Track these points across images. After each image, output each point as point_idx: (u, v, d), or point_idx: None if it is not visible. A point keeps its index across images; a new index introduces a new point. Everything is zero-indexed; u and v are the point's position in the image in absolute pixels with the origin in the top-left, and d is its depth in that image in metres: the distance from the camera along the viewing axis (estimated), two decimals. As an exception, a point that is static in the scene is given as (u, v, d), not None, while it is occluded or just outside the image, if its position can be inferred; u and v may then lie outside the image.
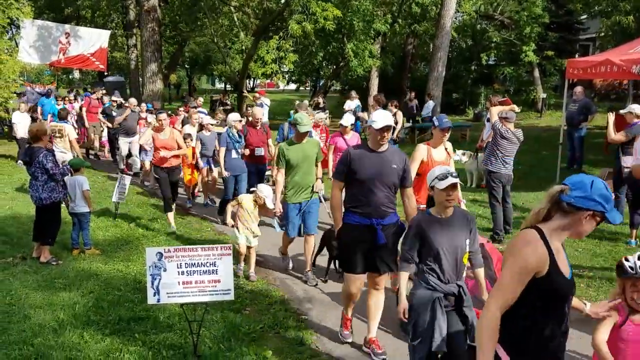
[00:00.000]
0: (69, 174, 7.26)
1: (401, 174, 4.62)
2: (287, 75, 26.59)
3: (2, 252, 7.37)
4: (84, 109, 16.03)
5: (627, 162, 8.15)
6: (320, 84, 28.60)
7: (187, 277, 4.60)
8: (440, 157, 5.85)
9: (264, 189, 6.71)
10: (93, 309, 5.59)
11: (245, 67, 21.67)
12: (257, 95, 18.15)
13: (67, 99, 18.99)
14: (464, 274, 4.05)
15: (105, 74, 29.88)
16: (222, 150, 8.62)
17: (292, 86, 36.38)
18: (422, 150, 5.87)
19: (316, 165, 6.66)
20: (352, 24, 18.95)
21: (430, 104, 18.33)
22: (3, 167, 13.88)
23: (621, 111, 8.88)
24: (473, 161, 11.29)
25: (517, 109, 8.58)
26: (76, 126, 18.21)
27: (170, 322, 5.30)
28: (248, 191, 7.71)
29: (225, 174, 8.63)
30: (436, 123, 5.90)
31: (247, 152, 8.59)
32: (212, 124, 10.33)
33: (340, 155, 7.84)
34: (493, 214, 7.98)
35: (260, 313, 5.68)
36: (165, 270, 4.57)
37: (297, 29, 18.00)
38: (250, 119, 9.54)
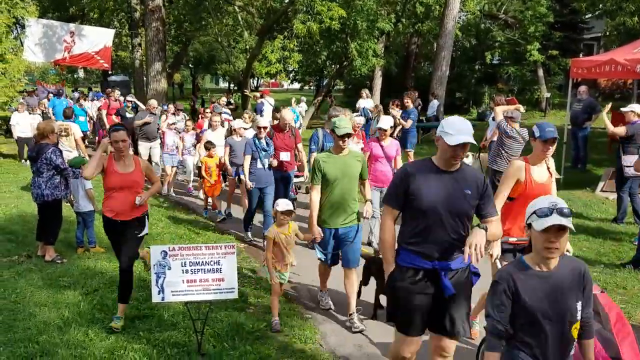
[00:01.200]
0: (77, 177, 7.26)
1: (477, 201, 3.53)
2: (291, 75, 26.60)
3: (7, 251, 7.41)
4: (103, 111, 15.58)
5: (627, 161, 8.16)
6: (324, 83, 28.57)
7: (191, 275, 4.63)
8: (541, 178, 4.53)
9: (281, 204, 5.37)
10: (98, 307, 5.61)
11: (249, 66, 21.71)
12: (257, 94, 18.18)
13: (84, 99, 18.33)
14: (572, 351, 2.86)
15: (110, 73, 29.95)
16: (247, 159, 7.73)
17: (296, 85, 36.41)
18: (518, 168, 4.52)
19: (362, 182, 5.61)
20: (356, 23, 18.94)
21: (434, 103, 18.32)
22: (8, 165, 13.94)
23: (622, 109, 8.89)
24: (476, 161, 11.28)
25: (522, 108, 8.58)
26: (91, 128, 17.96)
27: (174, 321, 5.32)
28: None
29: (250, 185, 7.73)
30: (536, 133, 4.45)
31: (275, 162, 7.73)
32: (244, 128, 9.33)
33: (375, 165, 7.42)
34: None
35: (264, 312, 5.68)
36: (169, 268, 4.59)
37: (302, 29, 18.01)
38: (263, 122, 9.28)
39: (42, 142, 7.07)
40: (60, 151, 7.17)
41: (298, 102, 19.52)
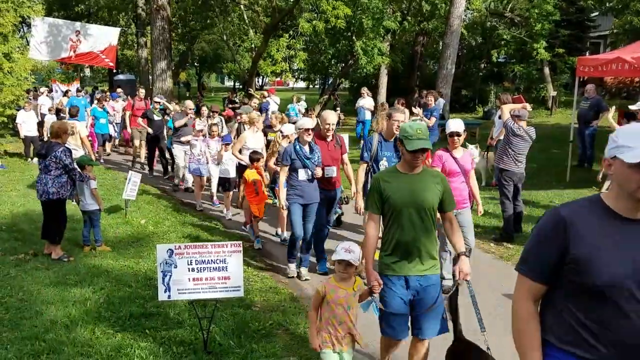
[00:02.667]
0: (83, 180, 7.27)
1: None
2: (296, 73, 26.61)
3: (14, 249, 7.45)
4: (127, 113, 14.75)
5: None
6: (329, 82, 28.56)
7: (197, 273, 4.63)
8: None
9: (340, 251, 3.67)
10: (104, 305, 5.63)
11: (255, 65, 21.72)
12: (265, 93, 18.16)
13: (106, 99, 17.19)
14: None
15: (115, 71, 30.01)
16: (284, 170, 6.46)
17: (302, 84, 36.42)
18: None
19: (444, 214, 3.90)
20: (362, 21, 18.92)
21: (440, 101, 18.25)
22: (15, 164, 14.00)
23: (631, 107, 8.86)
24: (482, 159, 11.26)
25: (529, 107, 8.54)
26: (116, 130, 17.23)
27: (180, 319, 5.33)
28: (317, 236, 6.59)
29: (284, 203, 6.51)
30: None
31: (319, 172, 6.38)
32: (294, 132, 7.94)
33: (452, 182, 5.32)
34: (504, 212, 7.95)
35: (269, 310, 5.69)
36: (175, 266, 4.60)
37: (307, 28, 18.00)
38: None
39: (53, 140, 7.10)
40: (70, 151, 7.18)
41: (298, 100, 19.60)
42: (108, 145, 16.42)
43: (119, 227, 8.68)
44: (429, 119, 11.95)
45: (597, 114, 12.16)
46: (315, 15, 18.30)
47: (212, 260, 4.65)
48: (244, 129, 9.89)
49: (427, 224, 3.76)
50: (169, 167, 12.96)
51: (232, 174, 9.45)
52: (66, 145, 7.29)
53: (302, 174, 6.33)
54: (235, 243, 4.75)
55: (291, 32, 19.48)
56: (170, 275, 4.60)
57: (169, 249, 4.62)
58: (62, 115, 15.76)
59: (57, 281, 6.27)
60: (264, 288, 6.33)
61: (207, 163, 10.12)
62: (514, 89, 22.83)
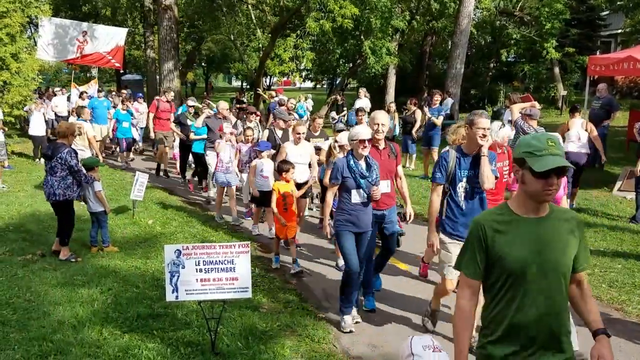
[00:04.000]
0: (88, 182, 7.25)
1: None
2: (304, 73, 26.57)
3: (21, 249, 7.44)
4: (151, 115, 13.54)
5: None
6: (337, 81, 28.50)
7: (205, 274, 4.60)
8: None
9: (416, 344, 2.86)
10: (112, 305, 5.60)
11: (262, 65, 21.69)
12: (273, 93, 18.12)
13: (130, 100, 16.09)
14: None
15: (122, 72, 30.11)
16: (332, 190, 5.38)
17: (309, 84, 36.37)
18: None
19: (573, 274, 2.61)
20: (370, 21, 18.85)
21: (448, 101, 18.18)
22: (22, 164, 14.04)
23: None
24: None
25: (538, 105, 8.49)
26: (139, 134, 16.25)
27: (188, 320, 5.30)
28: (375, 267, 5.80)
29: (329, 230, 5.62)
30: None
31: (378, 193, 5.20)
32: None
33: None
34: None
35: (277, 311, 5.65)
36: (183, 267, 4.57)
37: (314, 27, 17.95)
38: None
39: (59, 141, 7.08)
40: (76, 152, 7.16)
41: (306, 99, 19.68)
42: (131, 152, 15.46)
43: (127, 227, 8.66)
44: (437, 118, 11.93)
45: (608, 114, 12.04)
46: (323, 14, 18.23)
47: (219, 260, 4.61)
48: (277, 136, 8.89)
49: (562, 295, 2.55)
50: (191, 175, 11.95)
51: (270, 185, 7.80)
52: (72, 146, 7.26)
53: (356, 196, 5.17)
54: (243, 244, 4.71)
55: (298, 32, 19.43)
56: (178, 276, 4.58)
57: (177, 250, 4.59)
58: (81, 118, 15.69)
59: (65, 282, 6.25)
60: (271, 289, 6.29)
61: (240, 171, 9.11)
62: (523, 88, 22.68)
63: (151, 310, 5.48)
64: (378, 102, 24.36)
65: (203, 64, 43.95)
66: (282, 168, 6.99)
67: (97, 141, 14.72)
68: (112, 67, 19.45)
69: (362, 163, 5.20)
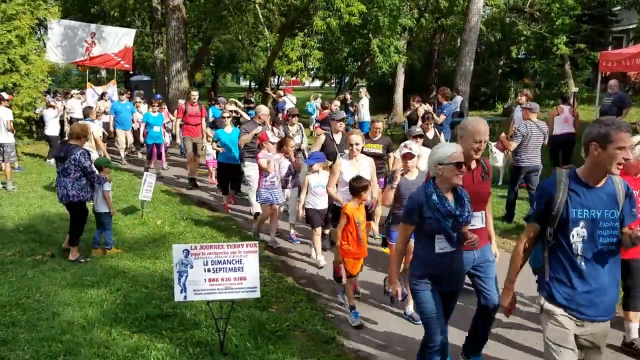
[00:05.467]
0: (101, 183, 7.25)
1: None
2: (312, 72, 26.55)
3: (31, 250, 7.46)
4: (178, 120, 12.55)
5: None
6: (346, 80, 28.45)
7: (213, 274, 4.58)
8: None
9: None
10: (121, 306, 5.60)
11: (270, 64, 21.68)
12: (281, 93, 18.11)
13: (159, 103, 14.36)
14: None
15: (131, 73, 30.21)
16: (405, 234, 3.92)
17: (317, 83, 36.38)
18: None
19: None
20: (378, 19, 18.77)
21: (458, 99, 18.07)
22: (32, 166, 14.11)
23: None
24: (504, 157, 11.12)
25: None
26: (169, 140, 15.02)
27: (196, 320, 5.28)
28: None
29: (399, 290, 4.09)
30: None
31: (475, 239, 3.79)
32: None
33: None
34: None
35: (286, 311, 5.62)
36: (191, 267, 4.55)
37: (321, 25, 17.91)
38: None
39: (71, 142, 7.08)
40: (89, 153, 7.15)
41: (315, 98, 19.76)
42: (163, 160, 13.81)
43: (136, 228, 8.67)
44: (439, 116, 11.85)
45: (620, 110, 11.89)
46: (330, 13, 18.18)
47: (228, 260, 4.59)
48: (335, 144, 7.63)
49: None
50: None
51: (325, 203, 7.00)
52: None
53: (443, 244, 3.73)
54: (251, 243, 4.68)
55: (306, 31, 19.40)
56: (186, 276, 4.56)
57: (185, 250, 4.57)
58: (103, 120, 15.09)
59: (74, 282, 6.25)
60: (280, 288, 6.26)
61: (278, 188, 7.76)
62: (534, 85, 22.50)
63: (160, 310, 5.47)
64: (387, 101, 24.35)
65: (211, 64, 44.03)
66: (356, 186, 5.47)
67: (124, 148, 14.63)
68: (121, 68, 19.47)
69: (450, 195, 3.74)
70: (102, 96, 16.58)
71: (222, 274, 4.59)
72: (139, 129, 14.67)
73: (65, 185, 6.90)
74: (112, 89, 17.57)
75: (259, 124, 8.93)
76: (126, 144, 14.97)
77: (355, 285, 5.77)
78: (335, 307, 5.81)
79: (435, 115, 11.86)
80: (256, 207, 8.59)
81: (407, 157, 5.27)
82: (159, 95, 16.99)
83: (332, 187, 6.34)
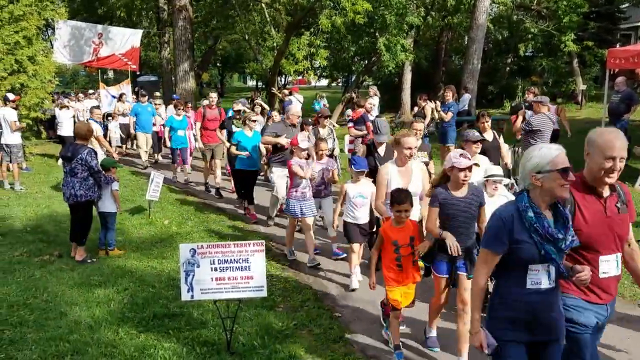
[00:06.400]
0: (108, 183, 7.25)
1: None
2: (318, 72, 26.50)
3: (39, 250, 7.49)
4: (197, 124, 11.64)
5: None
6: (352, 79, 28.38)
7: (220, 273, 4.58)
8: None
9: None
10: (128, 305, 5.60)
11: (277, 64, 21.67)
12: (286, 92, 18.08)
13: (183, 105, 13.25)
14: None
15: (138, 73, 30.32)
16: (487, 266, 3.02)
17: (324, 82, 36.33)
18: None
19: None
20: (384, 18, 18.71)
21: (465, 97, 18.02)
22: (40, 166, 14.17)
23: None
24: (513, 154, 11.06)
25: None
26: (194, 145, 13.17)
27: (203, 319, 5.28)
28: None
29: (483, 341, 3.01)
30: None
31: (586, 274, 2.87)
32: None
33: None
34: None
35: (293, 310, 5.60)
36: (198, 266, 4.55)
37: (327, 24, 17.88)
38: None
39: (78, 142, 7.08)
40: (96, 153, 7.15)
41: (321, 97, 19.84)
42: (188, 164, 12.91)
43: (143, 227, 8.68)
44: (445, 114, 11.81)
45: (628, 107, 11.80)
46: (336, 12, 18.15)
47: (234, 259, 4.58)
48: (378, 154, 6.65)
49: None
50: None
51: (366, 217, 6.20)
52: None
53: (538, 277, 2.92)
54: (257, 242, 4.67)
55: (312, 30, 19.37)
56: (193, 275, 4.56)
57: (192, 249, 4.58)
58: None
59: (81, 282, 6.26)
60: (287, 288, 6.25)
61: (310, 198, 7.03)
62: (541, 83, 22.37)
63: (167, 309, 5.47)
64: (394, 100, 24.27)
65: (218, 64, 44.11)
66: (398, 199, 4.55)
67: (145, 151, 14.24)
68: (128, 68, 19.51)
69: (548, 213, 2.93)
70: (120, 97, 16.28)
71: (228, 273, 4.59)
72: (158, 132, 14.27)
73: (73, 185, 6.90)
74: (126, 89, 17.33)
75: (289, 126, 8.30)
76: (146, 146, 14.39)
77: (401, 316, 4.89)
78: (343, 306, 5.79)
79: (442, 114, 11.83)
80: (272, 211, 8.54)
81: (469, 169, 4.22)
82: (176, 95, 16.39)
83: (381, 201, 5.28)
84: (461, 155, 4.24)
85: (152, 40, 31.03)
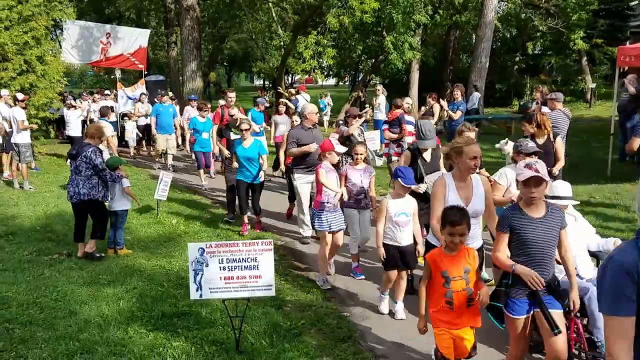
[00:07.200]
0: (115, 180, 7.26)
1: None
2: (325, 71, 26.51)
3: (48, 249, 7.51)
4: (215, 127, 10.64)
5: None
6: (359, 78, 28.35)
7: (228, 272, 4.58)
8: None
9: None
10: (137, 304, 5.61)
11: (284, 63, 21.71)
12: (292, 91, 18.07)
13: (204, 106, 12.23)
14: None
15: (145, 73, 30.40)
16: (627, 333, 2.12)
17: (332, 81, 36.32)
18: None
19: None
20: (392, 16, 18.67)
21: (474, 95, 17.96)
22: (49, 166, 14.23)
23: None
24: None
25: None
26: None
27: (212, 318, 5.28)
28: None
29: None
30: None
31: None
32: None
33: None
34: None
35: (301, 309, 5.59)
36: (207, 265, 4.56)
37: (334, 23, 17.86)
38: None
39: (85, 141, 7.10)
40: (101, 151, 7.18)
41: (325, 95, 19.89)
42: (212, 169, 12.56)
43: (151, 227, 8.69)
44: (454, 113, 11.76)
45: (639, 105, 11.72)
46: (344, 11, 18.13)
47: (243, 258, 4.58)
48: (421, 165, 6.05)
49: None
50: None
51: (410, 238, 5.32)
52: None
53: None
54: (266, 241, 4.67)
55: (319, 29, 19.36)
56: (202, 274, 4.57)
57: (200, 248, 4.58)
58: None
59: (91, 281, 6.28)
60: (295, 287, 6.24)
61: (338, 210, 6.26)
62: (550, 81, 22.27)
63: (176, 308, 5.48)
64: (388, 100, 24.23)
65: (225, 63, 44.17)
66: (452, 219, 3.70)
67: (161, 154, 13.98)
68: (135, 68, 19.57)
69: None
70: (140, 98, 16.03)
71: (237, 272, 4.59)
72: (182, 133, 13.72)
73: (77, 184, 6.91)
74: (140, 89, 17.13)
75: (308, 128, 7.62)
76: (166, 149, 13.74)
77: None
78: (351, 305, 5.77)
79: (451, 112, 11.78)
80: (307, 232, 7.70)
81: (535, 183, 3.50)
82: (194, 96, 15.69)
83: (437, 219, 4.10)
84: (526, 166, 3.54)
85: (159, 39, 31.13)
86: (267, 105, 15.86)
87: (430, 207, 4.42)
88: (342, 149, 6.47)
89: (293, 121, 9.52)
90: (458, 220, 3.66)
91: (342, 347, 4.80)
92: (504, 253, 3.64)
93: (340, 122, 9.29)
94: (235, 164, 8.05)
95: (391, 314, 5.46)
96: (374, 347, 4.85)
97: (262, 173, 8.03)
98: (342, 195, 6.13)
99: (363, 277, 6.43)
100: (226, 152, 9.24)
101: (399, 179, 5.11)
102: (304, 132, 7.67)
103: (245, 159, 7.90)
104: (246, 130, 7.96)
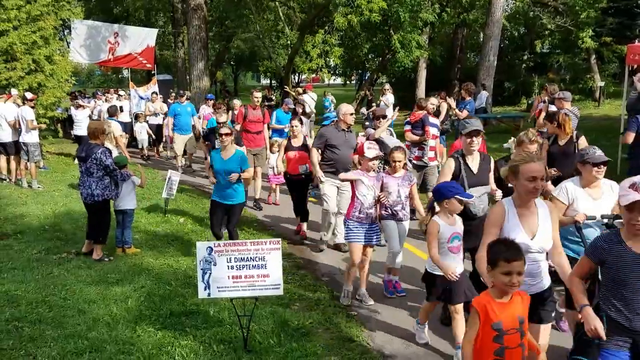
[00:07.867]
0: (125, 179, 7.28)
1: None
2: (332, 70, 26.52)
3: (56, 248, 7.53)
4: (237, 126, 10.05)
5: None
6: (366, 76, 28.32)
7: (236, 271, 4.59)
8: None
9: None
10: (145, 303, 5.62)
11: (291, 62, 21.71)
12: (299, 90, 18.09)
13: (221, 106, 11.53)
14: None
15: (152, 72, 30.50)
16: None
17: (338, 80, 36.30)
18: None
19: None
20: (399, 15, 18.64)
21: (483, 94, 17.89)
22: (57, 165, 14.29)
23: None
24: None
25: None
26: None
27: (220, 317, 5.28)
28: None
29: None
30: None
31: None
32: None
33: None
34: None
35: (309, 308, 5.59)
36: (215, 264, 4.56)
37: (342, 22, 17.85)
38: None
39: (91, 141, 7.12)
40: (110, 152, 7.19)
41: (328, 93, 20.08)
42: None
43: (159, 225, 8.70)
44: (461, 112, 11.71)
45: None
46: (351, 9, 18.11)
47: (251, 257, 4.58)
48: (464, 171, 4.98)
49: None
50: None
51: (461, 266, 4.63)
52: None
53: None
54: (274, 240, 4.67)
55: (326, 28, 19.35)
56: (210, 273, 4.57)
57: (209, 247, 4.59)
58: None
59: (99, 280, 6.30)
60: (303, 286, 6.24)
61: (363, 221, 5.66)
62: (559, 80, 22.14)
63: (184, 307, 5.49)
64: (408, 97, 24.16)
65: (232, 62, 44.23)
66: (505, 254, 2.93)
67: (180, 155, 13.59)
68: (143, 68, 19.59)
69: None
70: (150, 97, 16.02)
71: (245, 271, 4.59)
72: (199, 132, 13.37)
73: (90, 185, 6.93)
74: (152, 89, 17.05)
75: (342, 130, 6.99)
76: (185, 151, 13.55)
77: None
78: (358, 304, 5.76)
79: (458, 111, 11.72)
80: (328, 237, 7.28)
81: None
82: (211, 95, 15.36)
83: (483, 253, 3.20)
84: (632, 186, 2.94)
85: (166, 39, 31.21)
86: (273, 104, 15.85)
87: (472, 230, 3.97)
88: (375, 152, 5.62)
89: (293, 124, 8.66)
90: (514, 256, 2.87)
91: (350, 347, 4.80)
92: (581, 290, 3.01)
93: (367, 123, 8.62)
94: (213, 179, 6.72)
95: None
96: (381, 347, 4.84)
97: (242, 192, 6.72)
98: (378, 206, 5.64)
99: (404, 294, 5.93)
100: (207, 161, 7.64)
101: (456, 195, 4.31)
102: (336, 132, 7.02)
103: (224, 173, 6.48)
104: (226, 135, 6.46)
